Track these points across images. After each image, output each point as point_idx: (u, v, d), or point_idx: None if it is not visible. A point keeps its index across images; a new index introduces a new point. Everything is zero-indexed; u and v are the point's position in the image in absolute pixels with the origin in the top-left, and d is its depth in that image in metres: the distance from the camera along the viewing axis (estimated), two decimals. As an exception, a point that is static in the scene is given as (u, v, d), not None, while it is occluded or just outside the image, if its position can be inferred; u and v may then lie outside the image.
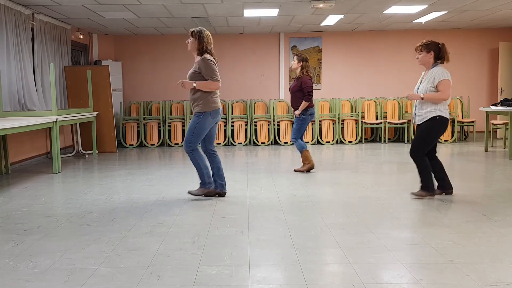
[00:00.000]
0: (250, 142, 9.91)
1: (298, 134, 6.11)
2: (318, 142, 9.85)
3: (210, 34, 4.55)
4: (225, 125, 9.85)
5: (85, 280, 2.62)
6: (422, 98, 4.41)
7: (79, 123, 8.54)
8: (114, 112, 9.33)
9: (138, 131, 9.89)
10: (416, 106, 4.53)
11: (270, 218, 3.93)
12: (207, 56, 4.48)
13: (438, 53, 4.44)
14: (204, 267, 2.81)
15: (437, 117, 4.37)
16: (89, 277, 2.67)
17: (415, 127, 4.49)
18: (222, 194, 4.74)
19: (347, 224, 3.71)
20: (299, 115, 6.00)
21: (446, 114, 4.40)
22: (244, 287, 2.52)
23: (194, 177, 5.67)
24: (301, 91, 5.97)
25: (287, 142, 9.67)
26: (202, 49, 4.49)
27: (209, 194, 4.70)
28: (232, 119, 9.86)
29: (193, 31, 4.51)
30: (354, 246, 3.16)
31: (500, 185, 5.19)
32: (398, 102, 10.05)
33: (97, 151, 8.54)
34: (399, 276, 2.63)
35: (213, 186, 4.71)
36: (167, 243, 3.27)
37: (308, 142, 9.71)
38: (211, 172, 4.70)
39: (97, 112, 8.52)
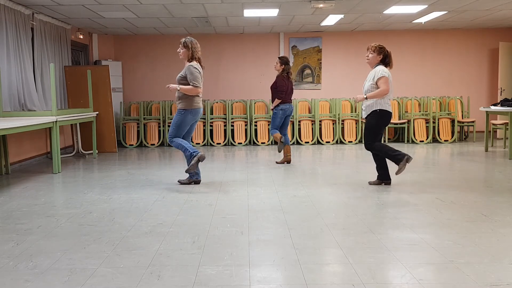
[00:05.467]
0: (250, 142, 9.91)
1: (273, 125, 6.92)
2: (318, 142, 9.85)
3: (198, 43, 5.20)
4: (225, 125, 9.86)
5: (85, 280, 2.62)
6: (366, 98, 5.00)
7: (79, 123, 8.54)
8: (114, 112, 9.33)
9: (138, 131, 9.89)
10: (363, 102, 5.12)
11: (270, 218, 3.93)
12: (194, 63, 5.12)
13: (385, 58, 5.03)
14: (204, 267, 2.81)
15: (378, 110, 4.95)
16: (89, 277, 2.67)
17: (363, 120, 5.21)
18: (197, 182, 5.39)
19: (347, 224, 3.71)
20: (272, 109, 6.90)
21: (386, 107, 4.96)
22: (244, 287, 2.52)
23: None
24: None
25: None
26: (192, 57, 5.14)
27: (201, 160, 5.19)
28: (232, 119, 9.86)
29: (185, 41, 5.13)
30: (354, 246, 3.16)
31: (500, 185, 5.19)
32: (398, 102, 10.06)
33: (97, 151, 8.54)
34: (399, 276, 2.63)
35: (200, 153, 5.12)
36: (167, 243, 3.27)
37: (308, 142, 9.72)
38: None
39: (97, 112, 8.52)
